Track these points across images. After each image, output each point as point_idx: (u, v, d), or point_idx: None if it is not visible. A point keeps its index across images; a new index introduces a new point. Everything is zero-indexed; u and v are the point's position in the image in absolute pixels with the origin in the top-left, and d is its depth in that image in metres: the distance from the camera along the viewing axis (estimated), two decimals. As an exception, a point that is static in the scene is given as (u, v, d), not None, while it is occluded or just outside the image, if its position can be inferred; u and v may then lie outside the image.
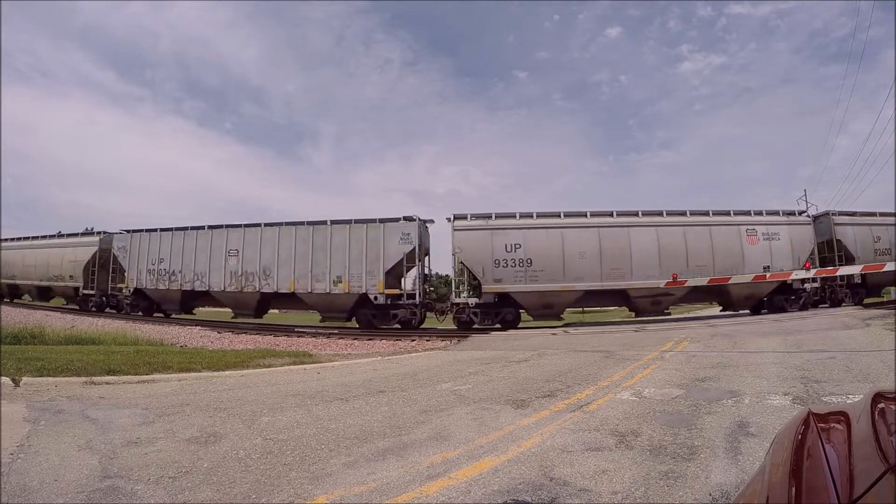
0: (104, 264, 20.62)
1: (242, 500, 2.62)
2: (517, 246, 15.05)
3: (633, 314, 16.55)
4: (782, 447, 0.95)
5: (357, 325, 16.24)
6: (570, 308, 16.60)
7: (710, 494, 2.50)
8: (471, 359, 8.34)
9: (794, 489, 0.76)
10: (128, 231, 19.89)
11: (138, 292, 19.17)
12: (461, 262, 15.32)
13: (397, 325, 15.55)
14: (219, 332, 14.89)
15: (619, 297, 16.03)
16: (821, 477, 0.74)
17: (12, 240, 24.76)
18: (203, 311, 20.84)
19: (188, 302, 19.02)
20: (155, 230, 19.06)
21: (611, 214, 15.78)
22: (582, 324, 15.92)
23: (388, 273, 15.37)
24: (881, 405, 0.96)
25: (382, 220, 15.74)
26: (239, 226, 17.53)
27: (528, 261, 15.01)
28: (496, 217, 15.57)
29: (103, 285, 20.75)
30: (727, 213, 15.97)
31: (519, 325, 15.51)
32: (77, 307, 21.22)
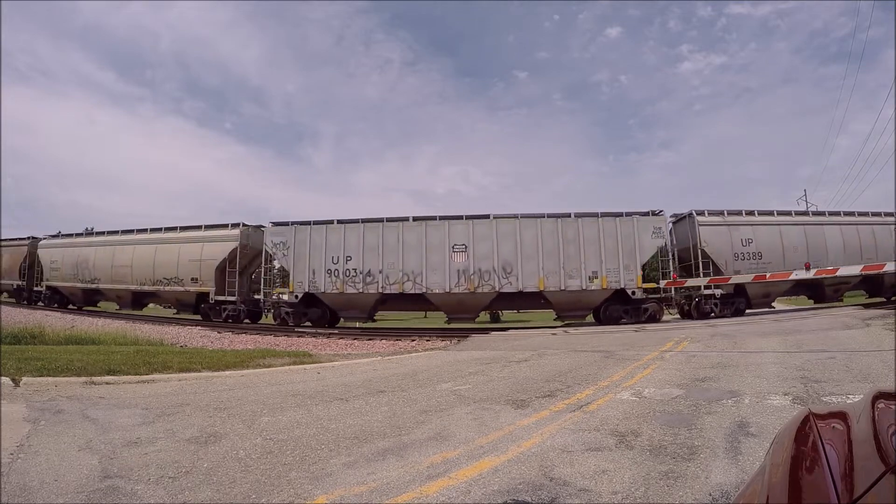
0: (240, 264, 17.23)
1: (242, 500, 2.62)
2: (749, 241, 16.02)
3: (813, 301, 18.24)
4: (782, 447, 0.95)
5: (596, 322, 15.74)
6: (781, 297, 18.06)
7: (710, 494, 2.50)
8: (471, 359, 8.34)
9: (794, 489, 0.76)
10: (287, 223, 16.48)
11: (309, 298, 16.03)
12: (707, 255, 15.82)
13: (643, 321, 14.95)
14: (219, 332, 14.90)
15: (814, 286, 17.13)
16: (821, 477, 0.74)
17: (92, 233, 22.14)
18: (386, 316, 18.97)
19: (378, 307, 16.56)
20: (330, 221, 16.13)
21: (807, 213, 18.00)
22: (581, 324, 15.89)
23: (641, 267, 15.53)
24: (881, 405, 0.96)
25: (629, 214, 15.44)
26: (460, 217, 15.50)
27: (759, 254, 16.00)
28: (728, 214, 16.38)
29: (244, 290, 17.68)
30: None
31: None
32: (201, 318, 17.76)
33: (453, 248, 15.14)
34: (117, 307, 20.90)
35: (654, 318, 15.11)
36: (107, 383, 5.79)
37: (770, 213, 16.74)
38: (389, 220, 15.67)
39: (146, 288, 18.94)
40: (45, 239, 23.19)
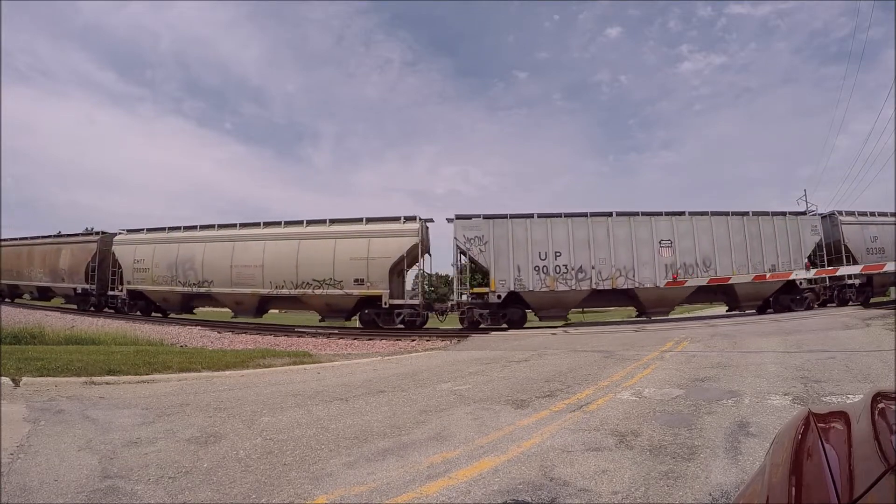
0: (408, 262, 15.50)
1: (242, 500, 2.62)
2: (875, 238, 17.11)
3: None
4: (782, 447, 0.95)
5: (772, 311, 16.02)
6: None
7: (710, 494, 2.50)
8: (471, 359, 8.34)
9: (794, 489, 0.76)
10: (478, 216, 15.28)
11: (512, 297, 14.96)
12: (848, 249, 16.64)
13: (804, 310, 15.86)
14: (219, 332, 14.89)
15: None
16: (821, 477, 0.74)
17: (194, 227, 18.29)
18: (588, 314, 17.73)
19: (581, 304, 15.89)
20: (530, 215, 15.26)
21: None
22: (582, 324, 15.90)
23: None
24: (881, 405, 0.96)
25: (794, 214, 16.55)
26: (660, 213, 15.65)
27: (882, 249, 16.82)
28: (858, 214, 17.42)
29: (416, 291, 15.95)
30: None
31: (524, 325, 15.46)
32: (362, 325, 15.69)
33: (660, 243, 15.26)
34: (232, 315, 17.84)
35: (810, 307, 16.05)
36: (107, 383, 5.79)
37: (885, 215, 17.86)
38: (594, 214, 15.39)
39: (283, 292, 15.86)
40: (121, 234, 19.72)
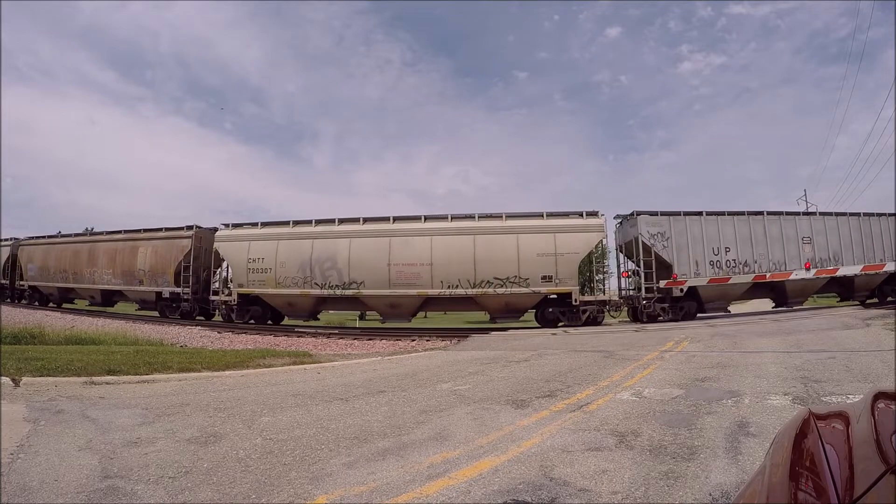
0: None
1: (242, 500, 2.62)
2: None
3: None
4: (782, 447, 0.95)
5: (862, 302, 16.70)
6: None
7: (710, 494, 2.50)
8: (470, 359, 8.34)
9: (794, 489, 0.76)
10: (656, 213, 15.50)
11: (691, 292, 15.34)
12: None
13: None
14: (219, 332, 14.88)
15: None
16: (821, 477, 0.74)
17: (331, 221, 16.00)
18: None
19: (742, 295, 16.54)
20: (699, 213, 15.87)
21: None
22: (581, 324, 15.87)
23: None
24: (881, 405, 0.96)
25: (891, 215, 17.03)
26: (798, 213, 17.02)
27: None
28: None
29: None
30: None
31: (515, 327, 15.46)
32: (539, 324, 14.91)
33: (802, 240, 16.21)
34: (381, 320, 16.27)
35: None
36: (107, 383, 5.79)
37: None
38: (751, 213, 16.14)
39: (457, 292, 14.62)
40: (223, 229, 17.13)
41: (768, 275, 15.61)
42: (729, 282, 15.48)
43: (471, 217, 15.46)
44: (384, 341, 13.00)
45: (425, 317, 20.16)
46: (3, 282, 23.96)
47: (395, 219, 15.65)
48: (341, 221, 15.98)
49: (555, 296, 14.93)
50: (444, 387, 5.78)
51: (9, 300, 23.29)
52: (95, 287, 19.81)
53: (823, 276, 16.17)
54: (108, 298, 20.24)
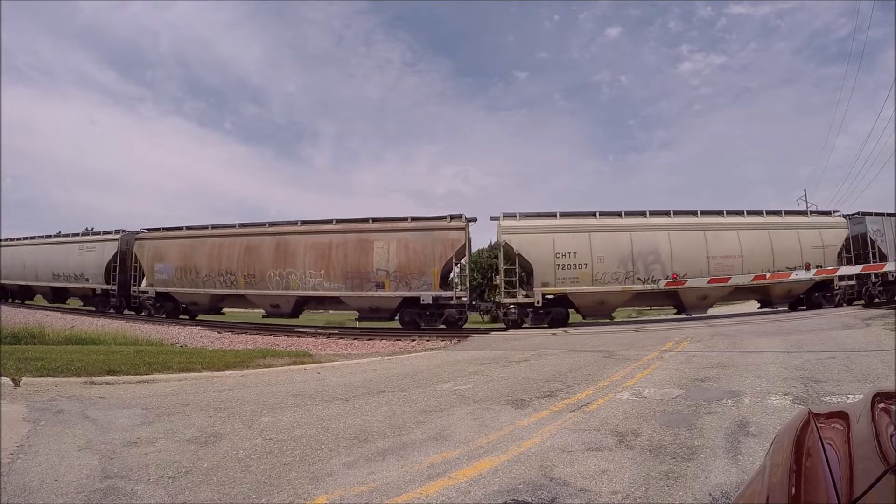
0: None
1: (242, 500, 2.62)
2: None
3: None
4: (782, 447, 0.95)
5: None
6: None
7: (710, 494, 2.50)
8: (470, 359, 8.34)
9: (794, 489, 0.76)
10: (871, 213, 16.84)
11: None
12: None
13: None
14: (219, 332, 14.88)
15: None
16: (821, 477, 0.74)
17: (646, 213, 15.70)
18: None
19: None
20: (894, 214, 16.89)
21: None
22: (581, 324, 15.88)
23: None
24: (881, 405, 0.96)
25: None
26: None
27: None
28: None
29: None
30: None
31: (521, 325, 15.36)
32: (822, 305, 15.61)
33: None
34: (685, 315, 15.82)
35: None
36: (107, 383, 5.79)
37: None
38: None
39: (757, 283, 15.45)
40: (510, 218, 15.29)
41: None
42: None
43: (759, 213, 16.46)
44: (384, 341, 13.00)
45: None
46: (107, 287, 19.23)
47: (702, 213, 16.12)
48: (652, 213, 15.85)
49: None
50: (444, 387, 5.78)
51: (112, 310, 19.05)
52: (288, 294, 15.81)
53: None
54: (301, 307, 16.46)
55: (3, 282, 22.95)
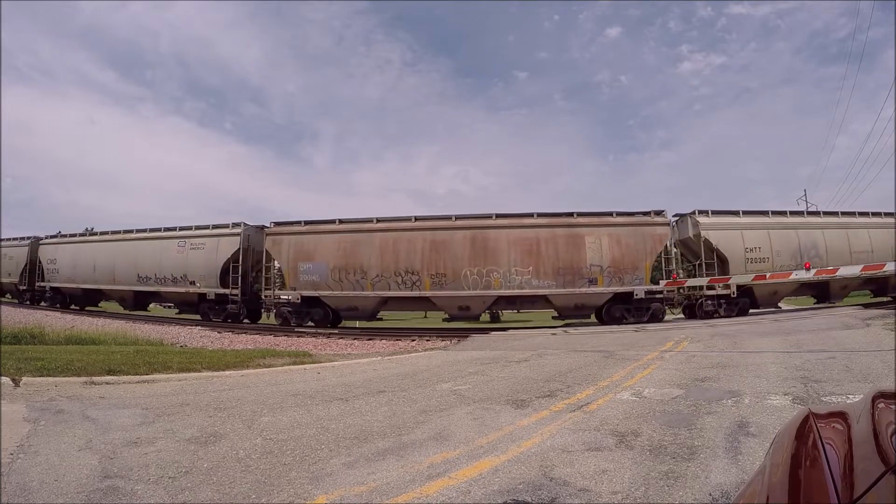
0: None
1: (242, 500, 2.62)
2: None
3: None
4: (782, 447, 0.95)
5: None
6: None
7: (710, 494, 2.50)
8: (470, 359, 8.34)
9: (794, 489, 0.76)
10: None
11: None
12: None
13: None
14: (219, 332, 14.88)
15: None
16: (821, 477, 0.74)
17: (787, 212, 16.99)
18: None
19: None
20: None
21: None
22: (581, 324, 15.89)
23: None
24: (881, 405, 0.96)
25: None
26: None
27: None
28: None
29: None
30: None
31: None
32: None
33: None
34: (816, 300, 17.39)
35: None
36: (107, 383, 5.79)
37: None
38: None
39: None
40: (704, 215, 15.68)
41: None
42: None
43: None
44: (384, 341, 13.00)
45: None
46: (224, 291, 16.25)
47: (843, 213, 17.42)
48: (792, 213, 17.10)
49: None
50: (444, 387, 5.78)
51: (230, 319, 16.21)
52: (486, 294, 14.44)
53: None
54: (491, 308, 15.35)
55: (62, 285, 20.09)
